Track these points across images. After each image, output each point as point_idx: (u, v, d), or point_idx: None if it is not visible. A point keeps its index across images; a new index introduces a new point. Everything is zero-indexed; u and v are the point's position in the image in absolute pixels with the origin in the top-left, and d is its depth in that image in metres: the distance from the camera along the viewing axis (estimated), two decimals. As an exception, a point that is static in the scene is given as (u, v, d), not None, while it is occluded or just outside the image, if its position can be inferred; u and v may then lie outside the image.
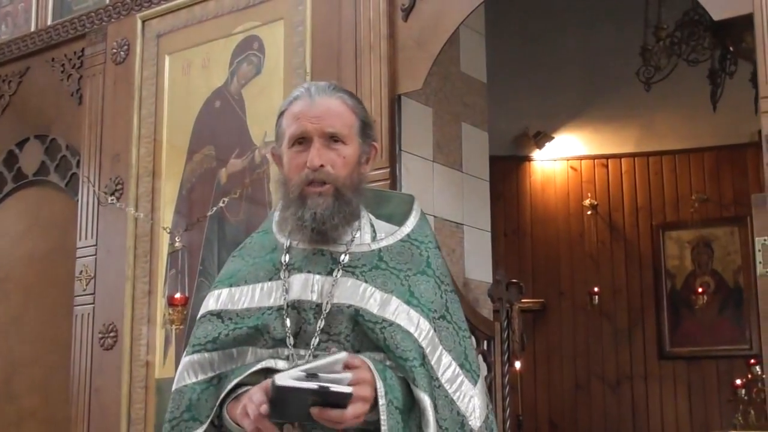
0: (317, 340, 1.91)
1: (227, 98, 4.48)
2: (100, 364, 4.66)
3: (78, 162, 5.00)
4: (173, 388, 2.02)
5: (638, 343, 7.22)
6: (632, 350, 7.23)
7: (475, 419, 1.92)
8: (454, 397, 1.91)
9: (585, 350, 7.34)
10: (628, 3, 5.85)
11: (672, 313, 7.15)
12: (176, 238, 4.44)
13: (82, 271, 4.81)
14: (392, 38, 4.00)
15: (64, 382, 4.80)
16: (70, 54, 5.16)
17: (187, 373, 2.00)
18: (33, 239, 5.25)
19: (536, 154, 7.62)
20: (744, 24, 3.83)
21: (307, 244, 2.02)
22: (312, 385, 1.71)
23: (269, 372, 1.87)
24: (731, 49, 5.57)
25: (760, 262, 3.15)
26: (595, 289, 7.23)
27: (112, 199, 4.71)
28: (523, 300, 5.54)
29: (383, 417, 1.80)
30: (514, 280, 4.95)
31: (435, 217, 4.31)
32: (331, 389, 1.71)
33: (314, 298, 1.95)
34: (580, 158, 7.60)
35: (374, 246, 2.01)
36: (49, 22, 5.28)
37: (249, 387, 1.87)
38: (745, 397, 6.08)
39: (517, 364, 6.27)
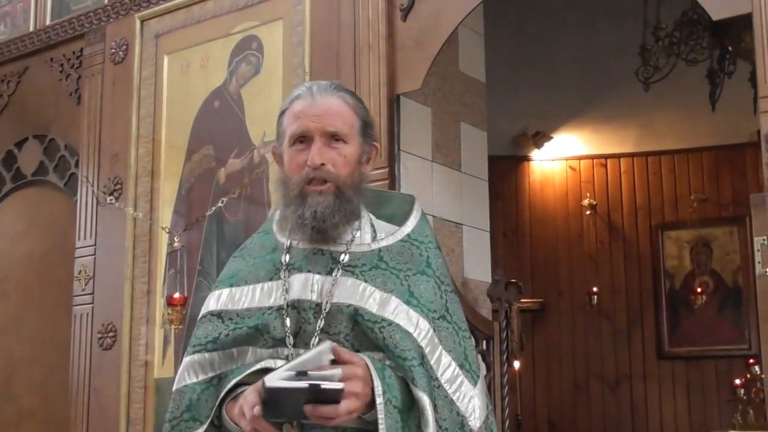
0: (317, 339, 1.91)
1: (226, 98, 4.48)
2: (99, 363, 4.66)
3: (77, 162, 5.00)
4: (174, 388, 2.03)
5: (637, 343, 7.22)
6: (631, 350, 7.23)
7: (475, 420, 1.92)
8: (454, 398, 1.91)
9: (584, 350, 7.34)
10: (627, 3, 5.86)
11: (671, 313, 7.15)
12: (175, 238, 4.44)
13: (81, 271, 4.81)
14: (391, 38, 4.00)
15: (64, 382, 4.80)
16: (69, 54, 5.16)
17: (187, 373, 2.01)
18: (32, 239, 5.25)
19: (535, 153, 7.61)
20: (743, 24, 3.83)
21: (307, 244, 2.02)
22: (302, 384, 1.71)
23: (268, 372, 1.87)
24: (730, 48, 5.57)
25: (759, 262, 3.15)
26: (594, 289, 7.23)
27: (111, 199, 4.71)
28: (522, 300, 5.55)
29: (381, 416, 1.80)
30: (513, 280, 4.96)
31: (434, 216, 4.31)
32: (322, 386, 1.71)
33: (314, 297, 1.95)
34: (579, 158, 7.60)
35: (374, 246, 2.01)
36: (47, 22, 5.28)
37: (248, 387, 1.88)
38: (744, 397, 6.08)
39: (516, 364, 6.27)
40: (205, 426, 1.95)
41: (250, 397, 1.81)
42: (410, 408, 1.87)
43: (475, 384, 1.95)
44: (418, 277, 1.98)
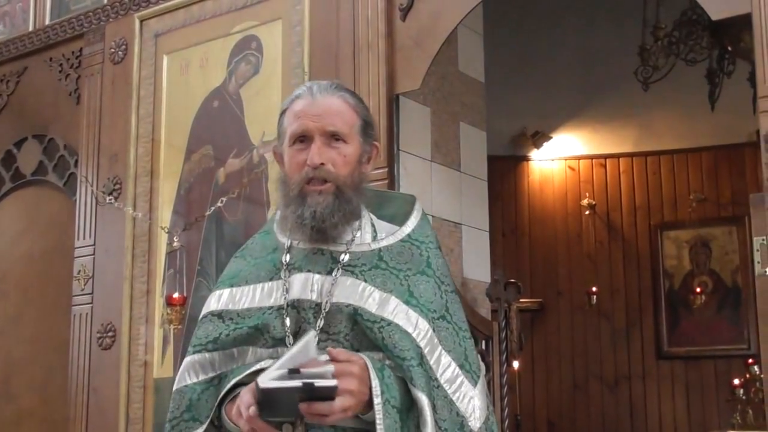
0: (317, 339, 1.91)
1: (225, 98, 4.48)
2: (98, 363, 4.66)
3: (76, 162, 5.00)
4: (174, 388, 2.03)
5: (636, 342, 7.22)
6: (630, 350, 7.23)
7: (475, 420, 1.92)
8: (454, 398, 1.90)
9: (583, 350, 7.35)
10: (626, 3, 5.86)
11: (670, 312, 7.16)
12: (174, 238, 4.44)
13: (80, 271, 4.81)
14: (390, 38, 4.00)
15: (63, 382, 4.79)
16: (68, 54, 5.15)
17: (187, 373, 2.01)
18: (31, 239, 5.25)
19: (534, 153, 7.61)
20: (742, 24, 3.83)
21: (307, 244, 2.02)
22: (296, 383, 1.71)
23: (267, 372, 1.87)
24: (729, 48, 5.57)
25: (758, 262, 3.15)
26: (593, 289, 7.23)
27: (110, 199, 4.71)
28: (521, 300, 5.54)
29: (378, 416, 1.80)
30: (512, 280, 4.96)
31: (433, 216, 4.31)
32: (316, 384, 1.71)
33: (314, 297, 1.95)
34: (578, 158, 7.60)
35: (374, 246, 2.01)
36: (47, 22, 5.27)
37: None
38: (744, 397, 6.08)
39: (515, 364, 6.27)
40: (204, 426, 1.95)
41: (245, 397, 1.81)
42: (409, 408, 1.87)
43: (475, 384, 1.95)
44: (418, 277, 1.98)
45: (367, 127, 2.06)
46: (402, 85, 3.99)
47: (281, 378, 1.74)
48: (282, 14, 4.33)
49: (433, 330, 1.93)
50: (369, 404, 1.81)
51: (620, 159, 7.51)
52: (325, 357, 1.81)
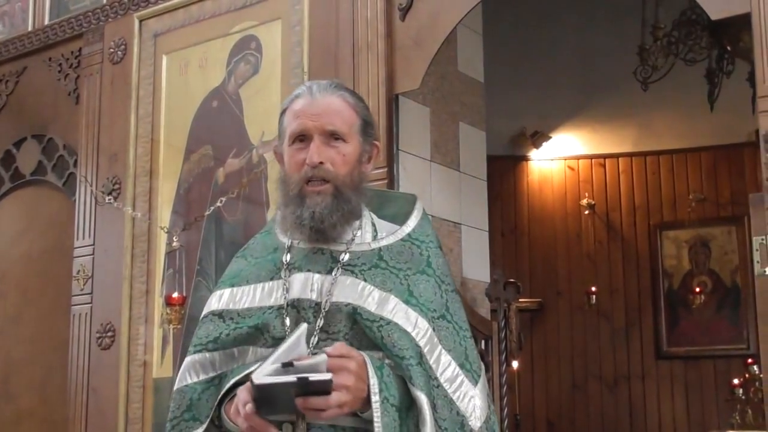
0: (316, 338, 1.91)
1: (225, 98, 4.48)
2: (97, 363, 4.66)
3: (75, 161, 4.99)
4: (174, 388, 2.03)
5: (635, 342, 7.22)
6: (629, 350, 7.23)
7: (476, 419, 1.91)
8: (454, 397, 1.90)
9: (582, 350, 7.35)
10: (626, 3, 5.85)
11: (669, 312, 7.16)
12: (174, 238, 4.44)
13: (79, 271, 4.81)
14: (390, 38, 4.00)
15: (62, 382, 4.79)
16: (67, 54, 5.15)
17: (188, 373, 2.01)
18: (30, 239, 5.24)
19: (533, 153, 7.62)
20: (741, 23, 3.84)
21: (307, 243, 2.02)
22: (290, 378, 1.71)
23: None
24: (729, 48, 5.57)
25: (757, 262, 3.16)
26: (593, 289, 7.23)
27: (109, 199, 4.71)
28: (520, 299, 5.55)
29: (377, 414, 1.79)
30: (512, 280, 4.96)
31: (432, 216, 4.30)
32: (311, 378, 1.71)
33: (314, 296, 1.95)
34: (578, 158, 7.60)
35: (374, 245, 2.01)
36: (46, 22, 5.27)
37: (245, 387, 1.88)
38: (743, 397, 6.09)
39: (515, 364, 6.28)
40: (205, 425, 1.95)
41: (242, 395, 1.81)
42: (409, 407, 1.87)
43: (476, 384, 1.94)
44: (418, 276, 1.98)
45: (367, 127, 2.06)
46: (401, 85, 3.99)
47: (275, 373, 1.74)
48: (281, 14, 4.33)
49: (433, 329, 1.93)
50: (368, 402, 1.81)
51: (619, 159, 7.52)
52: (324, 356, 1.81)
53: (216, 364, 1.99)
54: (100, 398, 4.61)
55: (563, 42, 6.66)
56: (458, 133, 4.65)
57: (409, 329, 1.90)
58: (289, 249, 2.04)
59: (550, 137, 7.47)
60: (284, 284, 1.98)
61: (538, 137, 7.46)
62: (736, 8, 3.31)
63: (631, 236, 7.38)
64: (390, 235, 2.04)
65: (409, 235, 2.05)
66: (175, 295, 4.30)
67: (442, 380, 1.90)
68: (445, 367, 1.91)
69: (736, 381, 6.22)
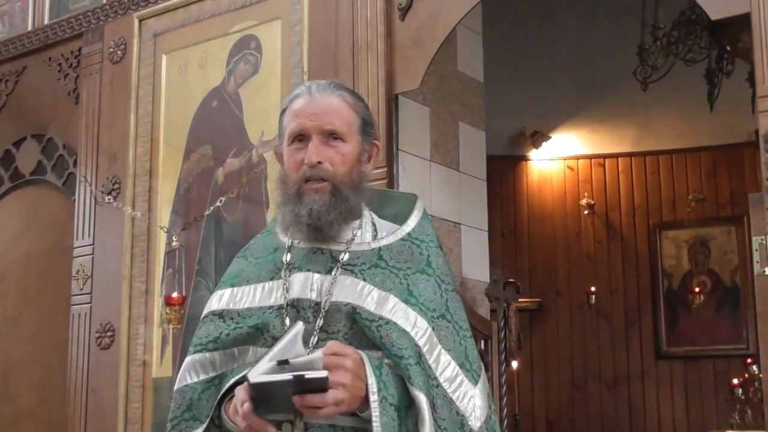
0: (316, 338, 1.91)
1: (224, 97, 4.48)
2: (97, 363, 4.65)
3: (75, 161, 4.99)
4: (175, 388, 2.03)
5: (635, 342, 7.23)
6: (629, 350, 7.23)
7: (476, 419, 1.90)
8: (453, 397, 1.90)
9: (582, 350, 7.35)
10: (625, 2, 5.86)
11: (669, 312, 7.16)
12: (173, 238, 4.44)
13: (79, 271, 4.80)
14: (389, 37, 4.00)
15: (62, 382, 4.79)
16: (67, 53, 5.15)
17: (188, 372, 2.01)
18: (30, 239, 5.24)
19: (533, 153, 7.62)
20: (741, 23, 3.84)
21: (307, 243, 2.02)
22: (287, 376, 1.71)
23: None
24: (728, 48, 5.57)
25: (757, 262, 3.16)
26: (592, 289, 7.24)
27: (109, 199, 4.71)
28: (520, 299, 5.55)
29: (375, 413, 1.79)
30: (511, 280, 4.96)
31: (432, 216, 4.30)
32: (306, 376, 1.71)
33: (313, 296, 1.95)
34: (577, 158, 7.60)
35: (374, 245, 2.01)
36: (46, 22, 5.27)
37: (245, 386, 1.88)
38: (742, 397, 6.09)
39: (514, 364, 6.28)
40: (205, 425, 1.96)
41: (239, 394, 1.81)
42: (408, 407, 1.86)
43: (475, 383, 1.94)
44: (418, 276, 1.98)
45: (366, 126, 2.06)
46: (401, 85, 3.98)
47: (271, 371, 1.74)
48: (281, 14, 4.33)
49: (433, 329, 1.93)
50: (366, 402, 1.80)
51: (619, 159, 7.52)
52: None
53: (216, 364, 1.99)
54: (99, 398, 4.61)
55: (563, 42, 6.67)
56: (458, 132, 4.65)
57: (408, 329, 1.90)
58: (290, 249, 2.04)
59: (550, 137, 7.47)
60: (284, 284, 1.98)
61: (537, 137, 7.46)
62: (736, 8, 3.31)
63: (631, 236, 7.38)
64: (390, 234, 2.04)
65: (409, 234, 2.05)
66: (175, 294, 4.30)
67: (441, 380, 1.90)
68: (445, 366, 1.91)
69: (735, 381, 6.23)
